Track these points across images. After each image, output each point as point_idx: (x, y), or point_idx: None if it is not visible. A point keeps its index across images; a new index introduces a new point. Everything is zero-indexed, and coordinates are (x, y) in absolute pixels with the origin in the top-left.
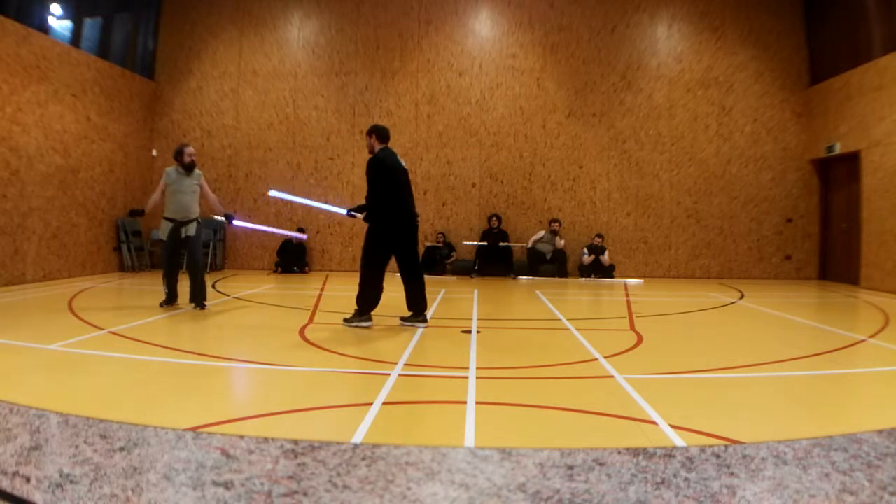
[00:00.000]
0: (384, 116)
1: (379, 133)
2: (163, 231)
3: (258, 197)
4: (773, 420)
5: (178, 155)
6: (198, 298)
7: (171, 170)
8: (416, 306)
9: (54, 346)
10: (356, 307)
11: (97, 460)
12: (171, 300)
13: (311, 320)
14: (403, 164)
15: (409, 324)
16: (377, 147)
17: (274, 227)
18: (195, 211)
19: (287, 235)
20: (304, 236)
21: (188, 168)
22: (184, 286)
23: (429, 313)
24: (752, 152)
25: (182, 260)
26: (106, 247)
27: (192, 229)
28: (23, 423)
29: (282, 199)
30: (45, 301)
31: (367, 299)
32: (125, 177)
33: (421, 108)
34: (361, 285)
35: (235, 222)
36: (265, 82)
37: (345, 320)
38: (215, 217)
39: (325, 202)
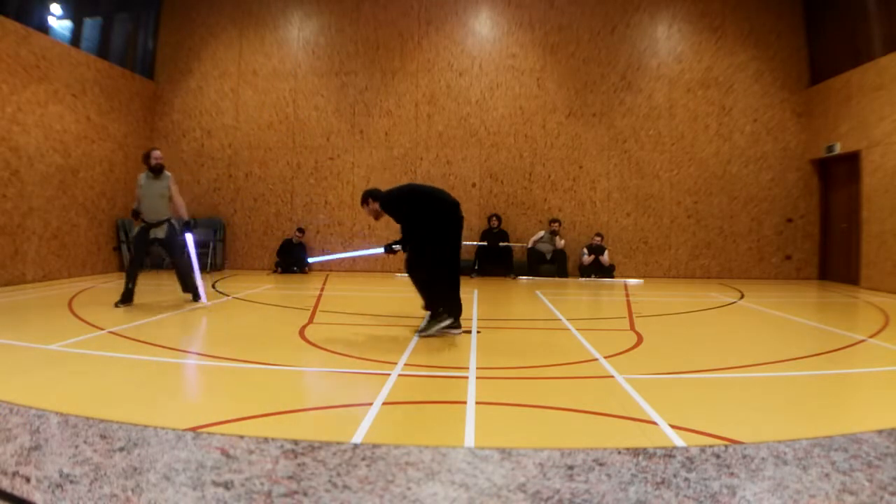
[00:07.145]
0: (384, 116)
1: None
2: (134, 231)
3: (258, 197)
4: (773, 420)
5: (146, 158)
6: (193, 294)
7: (142, 175)
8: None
9: (54, 346)
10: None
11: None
12: (125, 300)
13: (311, 320)
14: None
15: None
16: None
17: (273, 226)
18: (165, 213)
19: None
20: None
21: (156, 171)
22: (176, 286)
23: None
24: (752, 152)
25: (163, 261)
26: (106, 247)
27: (161, 232)
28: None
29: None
30: (45, 301)
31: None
32: (125, 177)
33: (421, 108)
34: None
35: (188, 237)
36: (265, 82)
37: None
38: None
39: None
